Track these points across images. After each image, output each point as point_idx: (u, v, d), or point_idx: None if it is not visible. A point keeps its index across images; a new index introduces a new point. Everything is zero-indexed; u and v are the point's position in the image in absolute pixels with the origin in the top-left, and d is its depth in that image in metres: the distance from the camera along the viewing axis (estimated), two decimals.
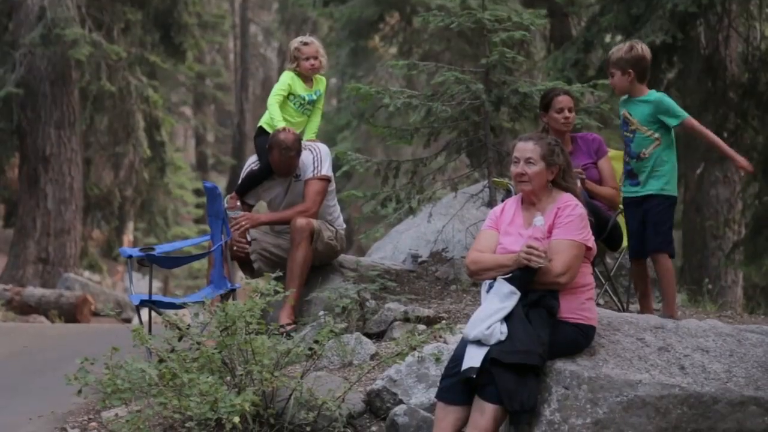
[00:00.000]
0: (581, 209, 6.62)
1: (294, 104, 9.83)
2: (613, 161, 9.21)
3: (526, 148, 6.69)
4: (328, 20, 28.61)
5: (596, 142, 9.23)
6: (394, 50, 26.80)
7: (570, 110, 9.07)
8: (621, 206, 8.98)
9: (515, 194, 7.03)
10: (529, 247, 6.35)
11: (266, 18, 47.44)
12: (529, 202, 6.74)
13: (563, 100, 9.10)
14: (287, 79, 9.83)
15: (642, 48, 8.55)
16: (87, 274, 25.82)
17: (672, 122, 8.39)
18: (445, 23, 10.37)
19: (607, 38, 17.02)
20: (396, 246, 11.72)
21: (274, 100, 9.74)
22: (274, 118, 9.65)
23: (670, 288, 8.58)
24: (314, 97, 9.92)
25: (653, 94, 8.48)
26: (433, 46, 24.30)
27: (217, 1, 38.19)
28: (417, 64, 10.77)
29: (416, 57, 23.17)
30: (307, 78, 9.89)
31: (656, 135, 8.40)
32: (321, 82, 10.03)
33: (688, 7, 14.44)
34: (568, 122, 9.08)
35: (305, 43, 9.88)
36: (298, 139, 9.50)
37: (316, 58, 9.84)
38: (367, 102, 10.73)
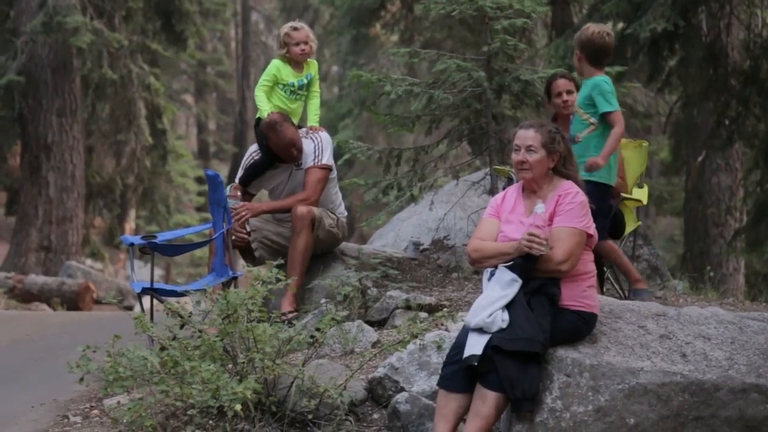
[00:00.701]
0: (582, 197, 6.62)
1: (284, 92, 9.77)
2: (623, 150, 9.15)
3: (526, 136, 6.69)
4: (329, 8, 28.57)
5: None
6: (395, 38, 26.78)
7: (569, 92, 9.08)
8: (622, 194, 8.97)
9: (516, 182, 7.02)
10: (531, 234, 6.35)
11: (267, 6, 47.40)
12: (531, 190, 6.74)
13: (560, 84, 9.14)
14: (273, 68, 9.79)
15: (594, 31, 8.51)
16: (89, 261, 25.85)
17: (601, 107, 8.32)
18: (447, 11, 10.36)
19: (609, 26, 16.98)
20: (398, 234, 11.73)
21: (259, 90, 9.71)
22: (260, 108, 9.63)
23: (623, 263, 8.71)
24: (305, 82, 9.85)
25: (596, 78, 8.44)
26: (435, 34, 24.27)
27: None
28: (418, 51, 10.77)
29: (418, 45, 23.16)
30: (297, 63, 9.83)
31: (592, 120, 8.37)
32: (312, 66, 9.95)
33: None
34: (567, 105, 9.09)
35: (295, 28, 9.82)
36: (284, 114, 9.50)
37: (306, 43, 9.76)
38: (368, 90, 10.72)
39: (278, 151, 9.48)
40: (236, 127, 43.84)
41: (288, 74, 9.77)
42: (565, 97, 9.08)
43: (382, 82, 10.32)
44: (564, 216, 6.54)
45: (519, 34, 11.10)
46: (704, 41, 16.83)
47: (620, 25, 16.52)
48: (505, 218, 6.74)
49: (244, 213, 9.35)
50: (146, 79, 25.04)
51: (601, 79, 8.42)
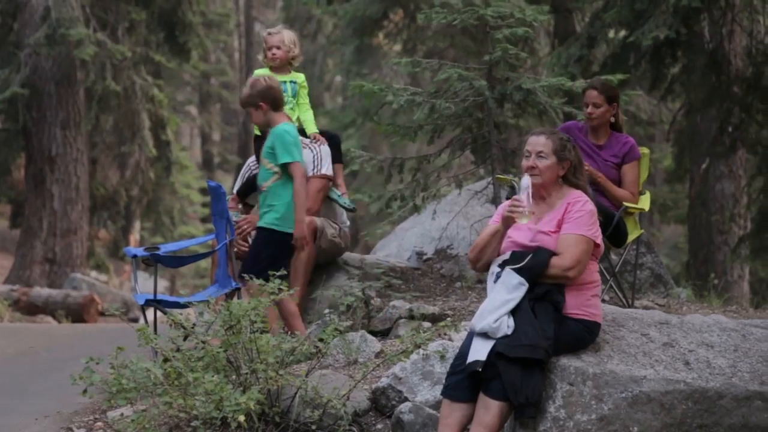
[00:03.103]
0: (591, 206, 6.64)
1: None
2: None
3: (537, 142, 6.71)
4: (332, 18, 28.59)
5: (627, 146, 9.23)
6: (398, 47, 26.78)
7: (596, 105, 9.13)
8: (624, 204, 8.97)
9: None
10: (514, 201, 6.42)
11: (271, 16, 47.35)
12: (539, 197, 6.74)
13: (587, 95, 9.26)
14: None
15: (266, 79, 8.60)
16: (94, 274, 25.84)
17: (280, 158, 8.39)
18: (448, 20, 10.36)
19: (611, 33, 17.00)
20: (401, 243, 11.72)
21: None
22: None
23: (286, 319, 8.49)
24: (288, 86, 9.67)
25: (280, 127, 8.47)
26: (438, 43, 24.28)
27: None
28: (420, 61, 10.76)
29: (420, 54, 23.16)
30: (276, 69, 9.63)
31: (276, 168, 8.41)
32: (297, 77, 9.74)
33: (691, 1, 14.42)
34: (591, 116, 9.16)
35: (269, 33, 9.72)
36: None
37: (279, 48, 9.61)
38: (371, 100, 10.73)
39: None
40: (240, 138, 43.80)
41: None
42: (590, 109, 9.15)
43: (384, 92, 10.31)
44: (572, 223, 6.56)
45: (521, 43, 11.10)
46: (706, 49, 16.83)
47: (622, 32, 16.54)
48: (513, 224, 6.75)
49: (246, 227, 9.33)
50: (150, 91, 25.05)
51: (284, 130, 8.47)
